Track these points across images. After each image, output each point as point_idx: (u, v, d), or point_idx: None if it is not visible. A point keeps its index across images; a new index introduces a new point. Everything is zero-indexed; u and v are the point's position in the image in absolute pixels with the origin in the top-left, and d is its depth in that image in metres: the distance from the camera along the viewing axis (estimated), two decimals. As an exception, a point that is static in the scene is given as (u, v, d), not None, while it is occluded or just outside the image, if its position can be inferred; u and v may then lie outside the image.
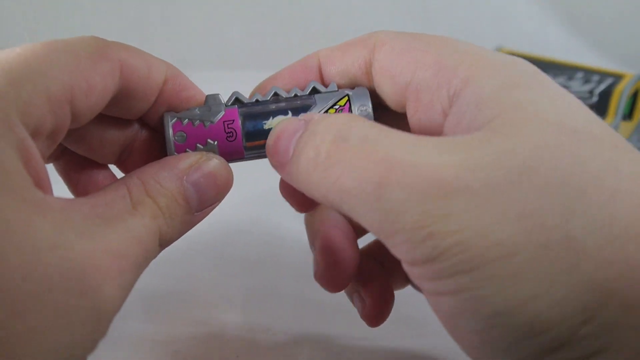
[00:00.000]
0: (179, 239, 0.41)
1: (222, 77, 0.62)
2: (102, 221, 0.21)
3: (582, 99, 0.46)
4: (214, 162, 0.25)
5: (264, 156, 0.25)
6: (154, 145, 0.28)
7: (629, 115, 0.49)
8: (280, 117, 0.26)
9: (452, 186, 0.19)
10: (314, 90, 0.27)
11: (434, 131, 0.24)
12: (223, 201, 0.45)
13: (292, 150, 0.23)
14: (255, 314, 0.35)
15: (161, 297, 0.36)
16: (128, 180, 0.24)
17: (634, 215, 0.19)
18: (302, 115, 0.24)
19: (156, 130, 0.28)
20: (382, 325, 0.34)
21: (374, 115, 0.26)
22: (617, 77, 0.49)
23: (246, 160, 0.27)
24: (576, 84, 0.48)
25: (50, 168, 0.28)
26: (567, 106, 0.21)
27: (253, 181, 0.46)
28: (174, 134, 0.26)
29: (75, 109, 0.22)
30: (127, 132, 0.28)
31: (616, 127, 0.45)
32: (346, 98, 0.26)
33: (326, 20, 0.67)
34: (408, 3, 0.66)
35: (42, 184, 0.21)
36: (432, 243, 0.19)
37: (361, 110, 0.26)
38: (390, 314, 0.32)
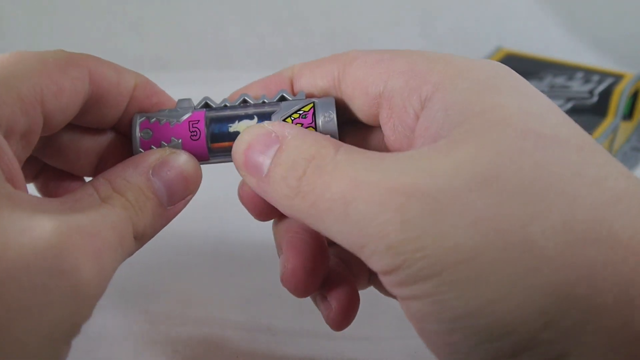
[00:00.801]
0: (181, 238, 0.41)
1: (222, 77, 0.62)
2: (73, 211, 0.22)
3: (582, 99, 0.46)
4: (179, 155, 0.26)
5: (229, 160, 0.26)
6: (129, 154, 0.28)
7: (629, 115, 0.49)
8: (246, 122, 0.27)
9: (409, 192, 0.20)
10: (282, 98, 0.27)
11: (408, 136, 0.25)
12: (222, 201, 0.45)
13: (267, 168, 0.23)
14: (255, 313, 0.35)
15: (160, 297, 0.36)
16: (94, 181, 0.24)
17: (593, 220, 0.19)
18: (270, 125, 0.25)
19: (130, 139, 0.28)
20: (385, 325, 0.34)
21: (339, 127, 0.27)
22: (617, 77, 0.49)
23: (211, 162, 0.27)
24: (576, 84, 0.48)
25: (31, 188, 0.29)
26: (535, 109, 0.22)
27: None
28: (141, 130, 0.27)
29: (46, 110, 0.23)
30: (101, 141, 0.29)
31: (616, 127, 0.45)
32: (311, 105, 0.27)
33: (326, 20, 0.66)
34: (408, 3, 0.66)
35: (15, 180, 0.22)
36: (394, 251, 0.20)
37: (325, 117, 0.26)
38: (393, 313, 0.32)
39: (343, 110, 0.27)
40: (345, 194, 0.21)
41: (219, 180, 0.47)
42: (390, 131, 0.25)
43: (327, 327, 0.34)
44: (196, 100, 0.28)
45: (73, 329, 0.21)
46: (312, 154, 0.23)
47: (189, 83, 0.64)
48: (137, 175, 0.24)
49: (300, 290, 0.27)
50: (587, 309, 0.19)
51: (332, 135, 0.26)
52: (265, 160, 0.23)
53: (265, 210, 0.28)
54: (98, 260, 0.21)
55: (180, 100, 0.27)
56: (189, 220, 0.43)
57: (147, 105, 0.27)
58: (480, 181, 0.20)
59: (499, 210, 0.19)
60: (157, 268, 0.39)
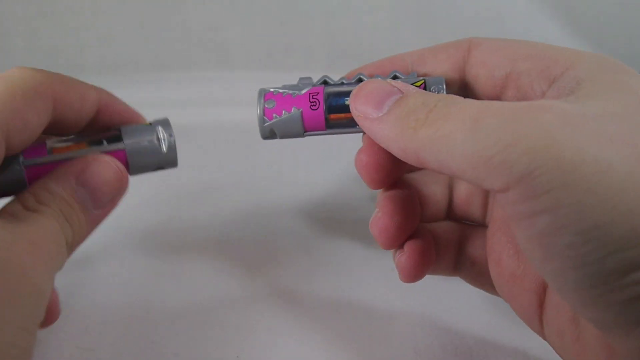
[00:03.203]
0: (181, 239, 0.41)
1: (222, 77, 0.62)
2: (13, 222, 0.23)
3: (582, 99, 0.46)
4: (101, 161, 0.27)
5: (344, 132, 0.28)
6: None
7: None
8: None
9: (545, 107, 0.21)
10: (395, 77, 0.28)
11: None
12: (223, 202, 0.44)
13: (387, 108, 0.24)
14: (255, 313, 0.35)
15: (160, 299, 0.36)
16: (20, 196, 0.25)
17: None
18: (392, 82, 0.26)
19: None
20: (388, 334, 0.34)
21: None
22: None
23: (327, 134, 0.29)
24: (576, 84, 0.48)
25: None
26: None
27: (251, 181, 0.46)
28: (265, 100, 0.29)
29: (9, 144, 0.24)
30: None
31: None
32: (422, 81, 0.28)
33: (326, 20, 0.66)
34: (408, 3, 0.66)
35: None
36: (527, 158, 0.20)
37: (436, 90, 0.27)
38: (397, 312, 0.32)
39: (463, 93, 0.28)
40: (475, 114, 0.21)
41: (218, 178, 0.47)
42: None
43: (329, 326, 0.34)
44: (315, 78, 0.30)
45: (32, 326, 0.22)
46: (442, 96, 0.24)
47: (189, 83, 0.64)
48: (60, 186, 0.25)
49: (383, 238, 0.29)
50: None
51: None
52: (385, 103, 0.25)
53: (380, 178, 0.29)
54: (44, 266, 0.23)
55: (301, 78, 0.29)
56: (190, 220, 0.43)
57: (108, 122, 0.29)
58: (611, 115, 0.21)
59: (630, 135, 0.20)
60: (157, 268, 0.39)
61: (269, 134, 0.29)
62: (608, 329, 0.21)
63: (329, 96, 0.28)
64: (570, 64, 0.24)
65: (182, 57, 0.65)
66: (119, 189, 0.27)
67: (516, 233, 0.22)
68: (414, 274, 0.30)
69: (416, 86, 0.27)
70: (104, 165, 0.27)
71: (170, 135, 0.29)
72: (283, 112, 0.28)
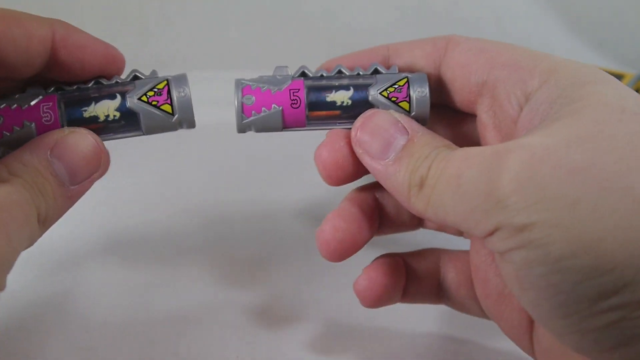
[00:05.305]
0: (181, 237, 0.41)
1: (222, 77, 0.62)
2: None
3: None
4: (78, 135, 0.25)
5: (322, 128, 0.28)
6: None
7: (629, 115, 0.49)
8: (342, 92, 0.28)
9: (509, 148, 0.22)
10: (376, 71, 0.28)
11: (508, 125, 0.26)
12: (222, 200, 0.44)
13: (396, 155, 0.25)
14: (255, 313, 0.35)
15: (160, 298, 0.36)
16: None
17: None
18: (396, 114, 0.26)
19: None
20: (388, 335, 0.34)
21: (432, 108, 0.28)
22: (617, 77, 0.48)
23: (307, 130, 0.28)
24: (576, 84, 0.48)
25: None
26: (630, 96, 0.23)
27: (252, 180, 0.46)
28: (243, 96, 0.27)
29: None
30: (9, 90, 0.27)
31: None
32: (405, 79, 0.27)
33: (326, 20, 0.67)
34: (408, 3, 0.66)
35: None
36: (502, 205, 0.21)
37: (419, 92, 0.27)
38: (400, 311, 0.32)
39: (436, 94, 0.28)
40: (458, 168, 0.22)
41: (219, 180, 0.47)
42: (490, 119, 0.27)
43: (328, 327, 0.34)
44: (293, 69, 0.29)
45: None
46: (439, 146, 0.24)
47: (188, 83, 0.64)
48: (34, 157, 0.24)
49: (328, 250, 0.28)
50: None
51: (424, 110, 0.27)
52: (391, 148, 0.25)
53: (339, 176, 0.28)
54: (6, 232, 0.21)
55: (277, 68, 0.28)
56: (190, 219, 0.43)
57: (70, 59, 0.26)
58: (576, 140, 0.21)
59: (596, 162, 0.20)
60: (157, 268, 0.39)
61: (246, 129, 0.28)
62: (587, 353, 0.22)
63: (309, 91, 0.28)
64: (546, 78, 0.24)
65: (182, 57, 0.65)
66: (97, 165, 0.26)
67: (498, 265, 0.23)
68: (373, 299, 0.29)
69: (399, 85, 0.27)
70: (81, 138, 0.25)
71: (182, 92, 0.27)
72: (262, 109, 0.27)
